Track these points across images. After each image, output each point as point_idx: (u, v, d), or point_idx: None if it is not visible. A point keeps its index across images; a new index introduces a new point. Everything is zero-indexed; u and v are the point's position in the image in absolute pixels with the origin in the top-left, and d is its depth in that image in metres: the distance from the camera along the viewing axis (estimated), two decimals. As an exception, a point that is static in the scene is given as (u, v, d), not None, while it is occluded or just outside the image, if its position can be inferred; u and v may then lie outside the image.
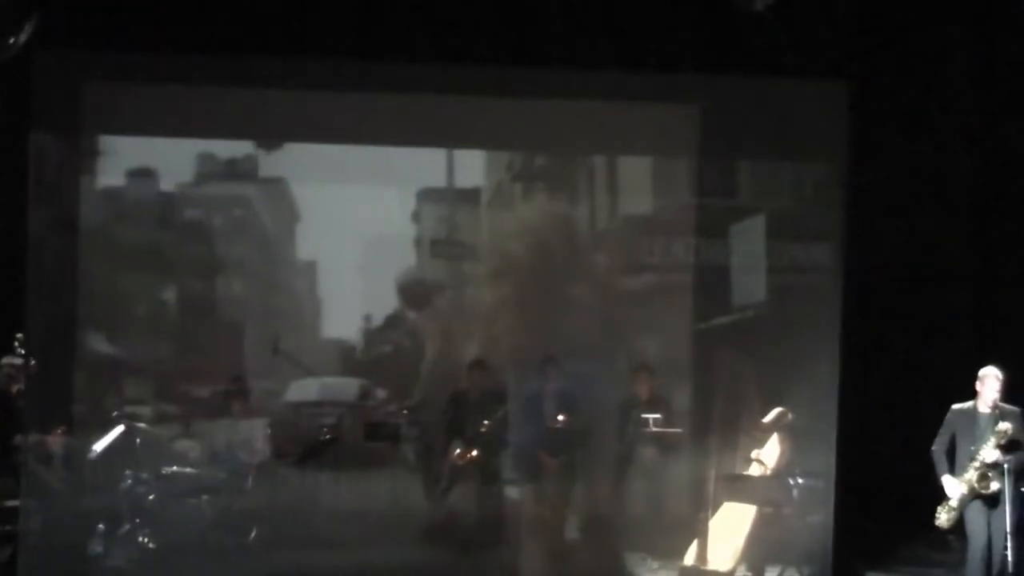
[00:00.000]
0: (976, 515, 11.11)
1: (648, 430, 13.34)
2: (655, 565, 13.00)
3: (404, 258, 16.57)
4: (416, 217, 17.04)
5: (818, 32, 12.90)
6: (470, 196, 17.34)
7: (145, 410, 14.16)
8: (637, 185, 15.82)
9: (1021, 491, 11.53)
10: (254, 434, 13.65)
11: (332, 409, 15.25)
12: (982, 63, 13.69)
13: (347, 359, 16.61)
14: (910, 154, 13.46)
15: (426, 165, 16.26)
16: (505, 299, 16.31)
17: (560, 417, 13.83)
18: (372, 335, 16.47)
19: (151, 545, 12.45)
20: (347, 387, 16.05)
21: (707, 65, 13.10)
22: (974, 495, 11.07)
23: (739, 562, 12.57)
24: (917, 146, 13.49)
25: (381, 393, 15.99)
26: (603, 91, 13.30)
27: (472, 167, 17.16)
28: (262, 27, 12.88)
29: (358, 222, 15.53)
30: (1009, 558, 10.85)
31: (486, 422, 13.85)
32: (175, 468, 12.96)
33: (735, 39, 12.97)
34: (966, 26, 13.62)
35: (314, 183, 15.38)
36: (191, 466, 13.15)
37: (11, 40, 11.81)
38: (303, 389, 15.88)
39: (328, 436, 14.15)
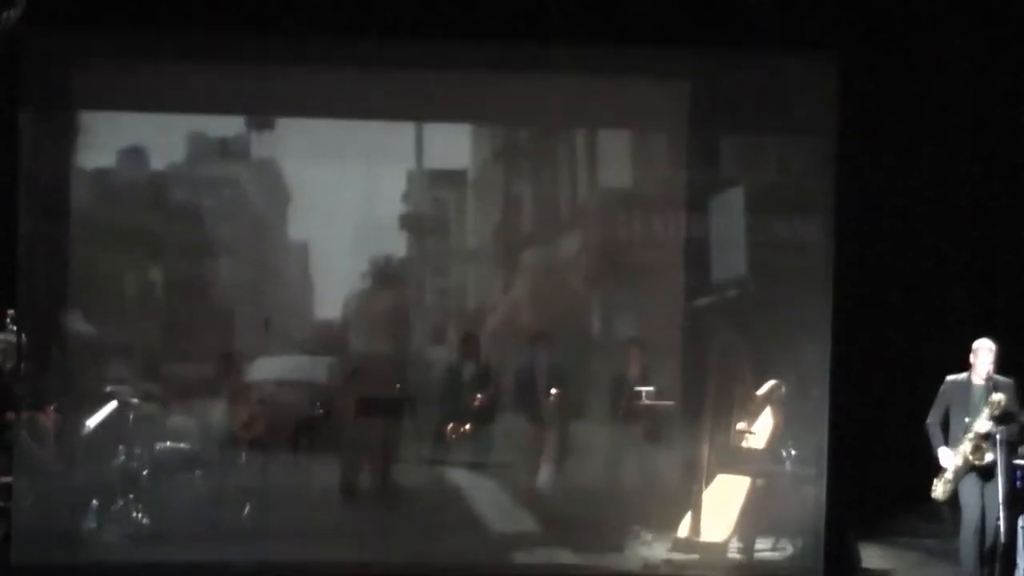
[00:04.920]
0: (970, 487, 11.15)
1: (641, 403, 13.40)
2: (649, 537, 13.00)
3: (394, 237, 16.54)
4: (406, 196, 17.03)
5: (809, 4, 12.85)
6: (457, 174, 17.35)
7: (137, 386, 14.07)
8: (625, 160, 15.81)
9: (1014, 462, 11.65)
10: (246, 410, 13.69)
11: (299, 388, 15.16)
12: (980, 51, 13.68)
13: (335, 338, 16.55)
14: (904, 131, 13.46)
15: (413, 143, 16.25)
16: (495, 276, 16.37)
17: (552, 391, 13.90)
18: (361, 314, 16.38)
19: (145, 520, 12.45)
20: (317, 365, 15.91)
21: (697, 40, 13.05)
22: (969, 467, 11.11)
23: (732, 533, 12.66)
24: (912, 126, 13.49)
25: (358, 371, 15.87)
26: (592, 66, 13.27)
27: (459, 144, 17.16)
28: (252, 3, 12.82)
29: (348, 201, 15.52)
30: (1001, 528, 10.90)
31: (479, 396, 13.94)
32: (168, 444, 12.99)
33: (726, 13, 12.92)
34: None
35: (304, 161, 15.36)
36: (184, 442, 13.13)
37: (3, 16, 11.74)
38: (272, 367, 15.59)
39: (321, 411, 14.18)
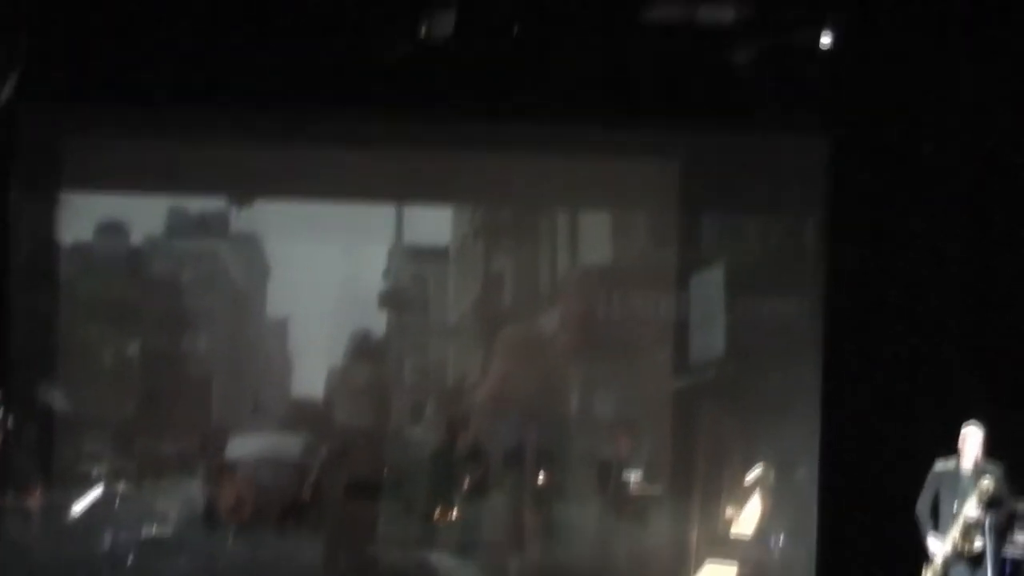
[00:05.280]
0: (960, 576, 11.12)
1: (628, 491, 13.33)
2: (637, 624, 12.95)
3: (374, 315, 16.57)
4: (387, 274, 17.06)
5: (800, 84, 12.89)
6: (439, 253, 17.40)
7: (120, 467, 14.04)
8: (616, 238, 15.85)
9: (1003, 555, 11.56)
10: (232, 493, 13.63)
11: (286, 468, 15.08)
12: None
13: (316, 415, 16.50)
14: (899, 208, 13.47)
15: (397, 222, 16.32)
16: (481, 355, 16.35)
17: (541, 474, 13.84)
18: (342, 391, 16.33)
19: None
20: (292, 444, 15.82)
21: (687, 120, 13.09)
22: (958, 555, 10.98)
23: (722, 621, 12.63)
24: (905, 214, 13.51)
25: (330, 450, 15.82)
26: (583, 146, 13.32)
27: (441, 223, 17.22)
28: (238, 82, 12.86)
29: (328, 279, 15.54)
30: (991, 620, 10.80)
31: (468, 479, 13.88)
32: (155, 529, 12.87)
33: (716, 94, 12.96)
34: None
35: (284, 240, 15.40)
36: (171, 526, 13.05)
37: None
38: (247, 445, 15.44)
39: (309, 494, 14.12)
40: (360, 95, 12.81)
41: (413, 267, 16.68)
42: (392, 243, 16.24)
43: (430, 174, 14.27)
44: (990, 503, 10.91)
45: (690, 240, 14.73)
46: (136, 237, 15.57)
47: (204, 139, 13.40)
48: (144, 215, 15.34)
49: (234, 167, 14.07)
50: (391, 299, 16.42)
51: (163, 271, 16.13)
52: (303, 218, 14.77)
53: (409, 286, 16.55)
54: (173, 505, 13.69)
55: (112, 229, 15.18)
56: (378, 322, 16.23)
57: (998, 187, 13.59)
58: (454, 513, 13.94)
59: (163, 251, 15.92)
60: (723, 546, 12.84)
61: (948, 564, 11.01)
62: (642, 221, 15.40)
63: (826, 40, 12.63)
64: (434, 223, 16.63)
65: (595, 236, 15.92)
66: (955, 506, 11.02)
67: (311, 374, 16.15)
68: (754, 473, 12.85)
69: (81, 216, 14.60)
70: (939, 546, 11.04)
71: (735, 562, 12.70)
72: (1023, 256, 13.46)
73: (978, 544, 10.88)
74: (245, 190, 14.78)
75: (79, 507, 12.81)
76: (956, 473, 11.15)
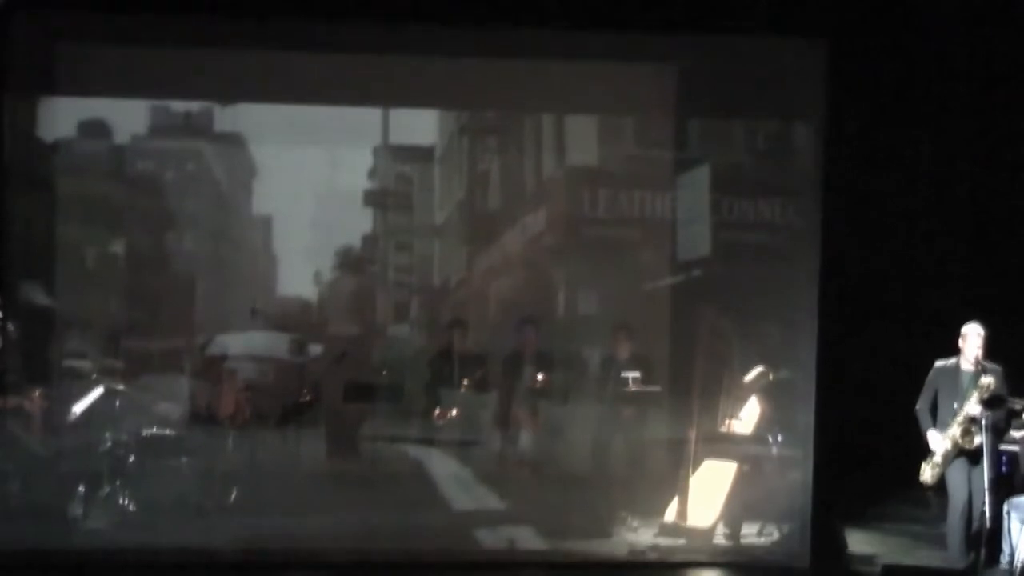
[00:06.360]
0: (958, 471, 11.25)
1: (628, 389, 13.43)
2: (635, 522, 13.07)
3: (361, 215, 16.63)
4: (372, 174, 17.10)
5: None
6: (427, 153, 17.46)
7: (114, 368, 14.10)
8: (616, 140, 15.89)
9: (999, 448, 11.73)
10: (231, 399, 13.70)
11: (255, 363, 15.17)
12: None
13: (302, 315, 16.59)
14: (896, 116, 13.48)
15: (396, 124, 16.34)
16: (478, 257, 16.43)
17: (540, 376, 13.92)
18: (327, 291, 16.40)
19: (131, 507, 12.41)
20: (277, 341, 15.91)
21: (686, 24, 13.03)
22: (957, 451, 11.20)
23: (719, 518, 12.75)
24: (904, 112, 13.52)
25: (316, 348, 15.92)
26: (582, 52, 13.26)
27: (429, 125, 17.26)
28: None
29: (313, 179, 15.59)
30: (987, 513, 10.95)
31: (466, 381, 13.97)
32: (155, 430, 12.92)
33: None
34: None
35: (271, 142, 15.41)
36: (171, 428, 13.10)
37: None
38: (227, 343, 15.67)
39: (308, 397, 14.21)
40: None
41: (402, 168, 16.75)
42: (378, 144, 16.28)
43: (424, 79, 14.18)
44: (990, 401, 11.14)
45: (691, 143, 14.81)
46: (121, 138, 15.63)
47: (194, 46, 13.27)
48: (131, 119, 15.38)
49: (220, 73, 13.98)
50: (378, 200, 16.51)
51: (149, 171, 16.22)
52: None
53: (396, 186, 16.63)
54: (172, 406, 13.78)
55: (100, 131, 15.23)
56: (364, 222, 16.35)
57: (1001, 90, 13.69)
58: (453, 412, 14.07)
59: (149, 152, 16.00)
60: (722, 444, 12.95)
61: (947, 460, 11.26)
62: (642, 124, 15.41)
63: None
64: (421, 126, 16.62)
65: (590, 138, 15.99)
66: (955, 404, 11.26)
67: (290, 273, 16.28)
68: (753, 373, 12.94)
69: (72, 120, 14.63)
70: (939, 442, 11.28)
71: (734, 460, 12.83)
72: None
73: (977, 440, 11.11)
74: (232, 96, 14.82)
75: (78, 407, 12.78)
76: (956, 371, 11.39)
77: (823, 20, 12.57)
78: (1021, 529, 11.53)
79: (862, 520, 13.43)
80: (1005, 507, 11.60)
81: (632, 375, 13.43)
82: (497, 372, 14.30)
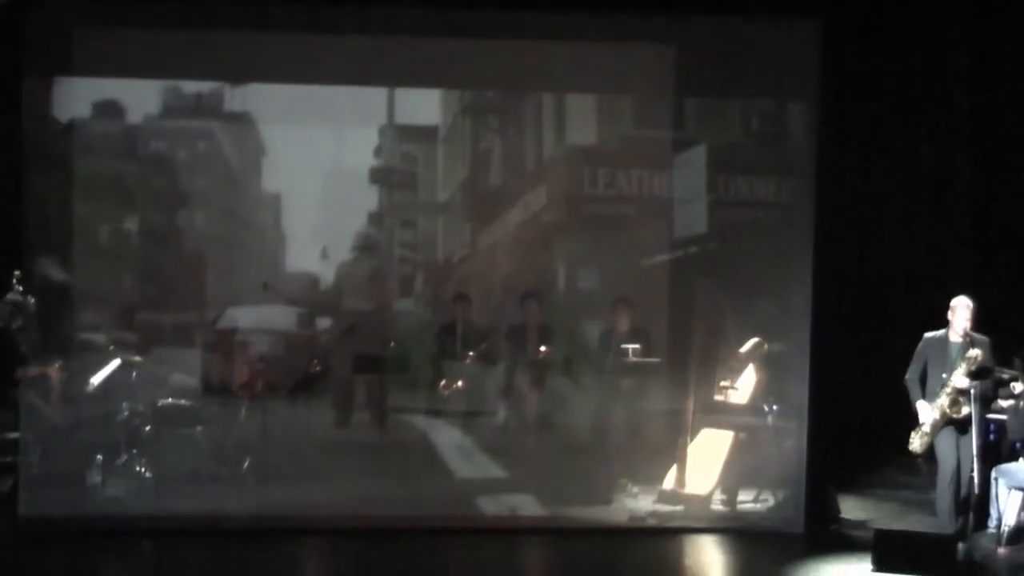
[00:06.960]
0: (946, 440, 11.41)
1: (628, 360, 13.64)
2: (635, 489, 13.31)
3: (367, 193, 16.78)
4: (378, 153, 17.24)
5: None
6: (430, 132, 17.58)
7: (133, 340, 14.33)
8: (615, 120, 16.08)
9: (987, 417, 11.99)
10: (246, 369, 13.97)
11: (267, 336, 15.45)
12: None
13: (310, 289, 16.78)
14: (889, 98, 13.66)
15: (400, 104, 16.51)
16: (481, 234, 16.60)
17: (542, 349, 14.21)
18: (336, 269, 16.63)
19: (147, 475, 12.68)
20: (284, 315, 16.13)
21: (684, 6, 13.24)
22: (946, 420, 11.36)
23: (716, 486, 12.99)
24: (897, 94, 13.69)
25: (324, 322, 16.20)
26: (582, 33, 13.49)
27: (433, 105, 17.39)
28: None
29: (320, 158, 15.75)
30: (975, 480, 11.16)
31: (471, 354, 14.23)
32: (170, 400, 13.20)
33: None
34: None
35: (280, 122, 15.59)
36: (185, 398, 13.38)
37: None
38: (235, 317, 15.96)
39: (317, 368, 14.45)
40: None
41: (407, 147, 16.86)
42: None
43: (427, 60, 14.33)
44: (978, 372, 11.29)
45: (683, 123, 15.02)
46: (135, 119, 15.85)
47: (205, 29, 13.47)
48: (145, 100, 15.60)
49: (231, 55, 14.19)
50: (385, 179, 16.68)
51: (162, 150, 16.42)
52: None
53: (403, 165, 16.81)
54: (186, 377, 14.06)
55: (115, 112, 15.43)
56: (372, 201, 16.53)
57: (996, 66, 13.87)
58: (458, 384, 14.36)
59: (162, 132, 16.21)
60: (719, 413, 13.18)
61: (936, 429, 11.42)
62: (644, 103, 15.63)
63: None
64: (424, 106, 16.77)
65: (589, 118, 16.18)
66: (944, 374, 11.42)
67: (299, 250, 16.46)
68: (749, 344, 13.17)
69: (88, 101, 14.83)
70: (928, 412, 11.44)
71: (731, 429, 13.09)
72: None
73: (965, 410, 11.27)
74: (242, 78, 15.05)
75: (96, 379, 13.02)
76: (945, 343, 11.53)
77: (818, 1, 12.81)
78: (1008, 495, 11.89)
79: (854, 487, 13.76)
80: (993, 474, 11.96)
81: (632, 347, 13.58)
82: (500, 345, 14.57)
